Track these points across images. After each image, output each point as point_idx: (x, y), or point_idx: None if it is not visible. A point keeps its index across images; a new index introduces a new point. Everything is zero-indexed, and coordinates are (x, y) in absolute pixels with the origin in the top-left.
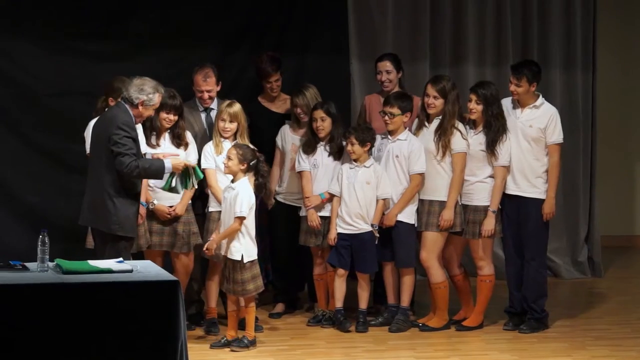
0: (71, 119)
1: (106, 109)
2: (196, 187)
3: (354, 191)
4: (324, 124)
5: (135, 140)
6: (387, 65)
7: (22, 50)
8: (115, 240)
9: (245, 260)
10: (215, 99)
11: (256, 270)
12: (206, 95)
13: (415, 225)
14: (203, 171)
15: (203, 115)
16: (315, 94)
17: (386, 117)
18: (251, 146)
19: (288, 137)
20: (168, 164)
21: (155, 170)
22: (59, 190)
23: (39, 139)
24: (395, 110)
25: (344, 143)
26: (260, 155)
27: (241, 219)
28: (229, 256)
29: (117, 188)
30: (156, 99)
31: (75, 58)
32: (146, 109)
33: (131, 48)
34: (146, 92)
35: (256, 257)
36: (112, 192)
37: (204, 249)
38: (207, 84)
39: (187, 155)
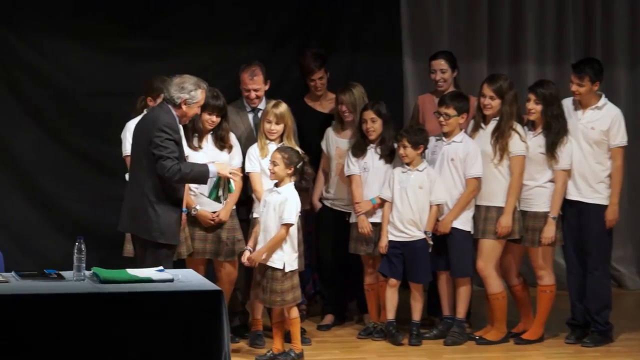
0: (110, 121)
1: (145, 110)
2: (225, 201)
3: (406, 196)
4: (375, 126)
5: (178, 143)
6: (441, 63)
7: (58, 48)
8: (156, 247)
9: (286, 270)
10: (264, 99)
11: (296, 280)
12: (253, 94)
13: (472, 232)
14: (247, 175)
15: (250, 116)
16: (362, 93)
17: (441, 118)
18: (296, 148)
19: (332, 140)
20: (213, 168)
21: (198, 174)
22: (97, 195)
23: (76, 142)
24: (451, 111)
25: (396, 146)
26: (305, 156)
27: (288, 226)
28: (269, 264)
29: (159, 193)
30: (199, 95)
31: (114, 56)
32: (190, 107)
33: (172, 45)
34: (187, 90)
35: (297, 267)
36: (153, 197)
37: (245, 259)
38: (254, 82)
39: (231, 159)
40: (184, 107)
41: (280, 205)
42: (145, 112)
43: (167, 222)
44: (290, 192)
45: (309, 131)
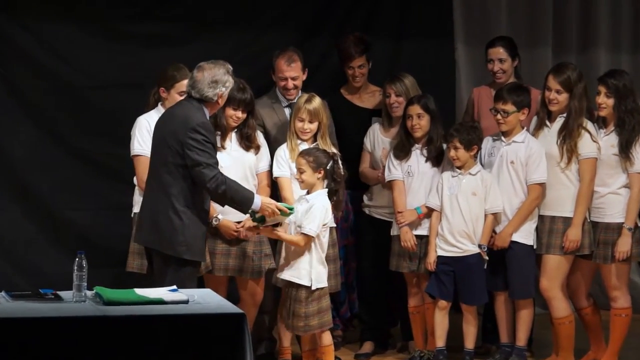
0: (116, 117)
1: (159, 103)
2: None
3: (457, 204)
4: (421, 122)
5: (216, 147)
6: (500, 51)
7: (56, 33)
8: (179, 265)
9: (313, 287)
10: (300, 92)
11: (325, 302)
12: (291, 83)
13: (534, 246)
14: (275, 180)
15: (287, 111)
16: (414, 83)
17: (498, 116)
18: (321, 146)
19: (378, 139)
20: (258, 201)
21: (242, 200)
22: (101, 203)
23: (76, 141)
24: (509, 107)
25: (445, 146)
26: (335, 154)
27: (308, 238)
28: (293, 279)
29: (187, 201)
30: (231, 79)
31: (122, 43)
32: (224, 98)
33: (188, 31)
34: (222, 82)
35: (326, 285)
36: (180, 206)
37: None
38: (292, 69)
39: (258, 161)
40: (220, 101)
41: (304, 214)
42: (159, 106)
43: (194, 234)
44: (318, 199)
45: (345, 128)
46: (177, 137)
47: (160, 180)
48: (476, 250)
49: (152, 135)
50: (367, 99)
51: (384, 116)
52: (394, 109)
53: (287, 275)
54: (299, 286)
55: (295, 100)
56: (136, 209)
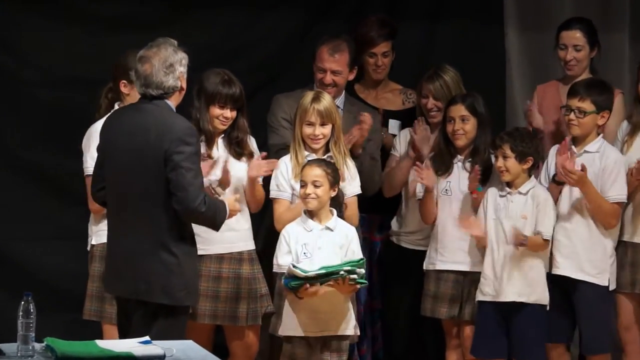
0: (74, 121)
1: (117, 103)
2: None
3: (504, 233)
4: (466, 127)
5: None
6: (577, 36)
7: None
8: (175, 313)
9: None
10: (343, 95)
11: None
12: (329, 78)
13: (610, 286)
14: (273, 200)
15: None
16: (457, 80)
17: (572, 115)
18: (335, 156)
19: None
20: (225, 205)
21: (221, 210)
22: (54, 231)
23: (22, 152)
24: (588, 106)
25: (493, 156)
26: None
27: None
28: (341, 332)
29: (180, 232)
30: (184, 54)
31: (82, 27)
32: (185, 81)
33: (164, 12)
34: (177, 61)
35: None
36: (172, 240)
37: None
38: (336, 61)
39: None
40: (184, 85)
41: (347, 248)
42: (117, 107)
43: (192, 272)
44: (346, 226)
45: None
46: (161, 152)
47: (140, 215)
48: (534, 295)
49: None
50: (385, 98)
51: (419, 116)
52: (430, 114)
53: (331, 328)
54: (344, 337)
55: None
56: (94, 240)
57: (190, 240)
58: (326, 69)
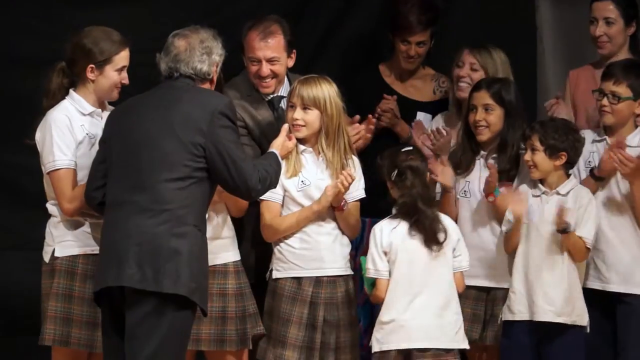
0: (26, 109)
1: (72, 90)
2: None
3: (540, 239)
4: (489, 118)
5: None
6: (608, 8)
7: None
8: (181, 307)
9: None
10: (286, 81)
11: None
12: (266, 68)
13: None
14: (260, 202)
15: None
16: (506, 63)
17: (605, 100)
18: (324, 150)
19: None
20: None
21: (275, 169)
22: (8, 240)
23: None
24: (623, 91)
25: (522, 150)
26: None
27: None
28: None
29: (198, 217)
30: (222, 46)
31: (31, 4)
32: (216, 75)
33: None
34: (216, 48)
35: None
36: (187, 225)
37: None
38: (269, 47)
39: None
40: (215, 78)
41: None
42: (73, 93)
43: (204, 268)
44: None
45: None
46: (195, 129)
47: (156, 198)
48: (573, 314)
49: (92, 138)
50: (414, 87)
51: (453, 108)
52: (460, 86)
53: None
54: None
55: (280, 94)
56: (59, 252)
57: (204, 228)
58: (260, 58)
